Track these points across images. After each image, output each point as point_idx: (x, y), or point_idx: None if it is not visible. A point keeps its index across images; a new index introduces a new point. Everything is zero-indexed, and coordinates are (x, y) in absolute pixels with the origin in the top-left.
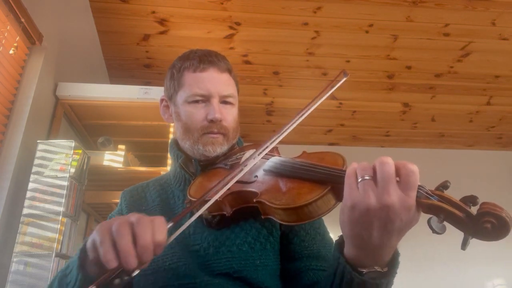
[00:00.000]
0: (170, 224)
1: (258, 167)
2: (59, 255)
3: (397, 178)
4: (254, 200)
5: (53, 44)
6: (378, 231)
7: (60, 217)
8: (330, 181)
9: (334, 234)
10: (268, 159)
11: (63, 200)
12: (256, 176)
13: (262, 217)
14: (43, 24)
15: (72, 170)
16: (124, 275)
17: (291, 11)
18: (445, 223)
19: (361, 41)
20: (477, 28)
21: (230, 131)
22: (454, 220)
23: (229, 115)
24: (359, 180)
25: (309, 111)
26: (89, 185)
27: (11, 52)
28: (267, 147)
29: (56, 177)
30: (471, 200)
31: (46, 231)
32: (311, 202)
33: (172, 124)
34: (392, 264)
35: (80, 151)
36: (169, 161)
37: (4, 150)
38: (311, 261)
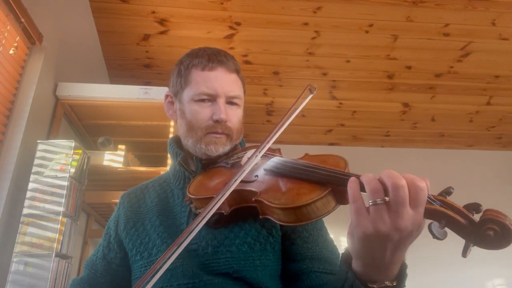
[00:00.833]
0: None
1: (259, 166)
2: (59, 255)
3: None
4: (253, 199)
5: (53, 44)
6: (392, 251)
7: (60, 217)
8: (331, 182)
9: (334, 234)
10: (269, 159)
11: (63, 200)
12: (257, 175)
13: (260, 217)
14: (43, 24)
15: (72, 170)
16: None
17: (291, 11)
18: (446, 229)
19: (361, 41)
20: (477, 28)
21: (234, 132)
22: (456, 227)
23: (234, 116)
24: (370, 203)
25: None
26: (89, 185)
27: (11, 52)
28: (267, 144)
29: (56, 177)
30: (474, 207)
31: (46, 231)
32: (310, 203)
33: (172, 124)
34: (400, 277)
35: (80, 151)
36: (169, 161)
37: (4, 150)
38: (314, 263)
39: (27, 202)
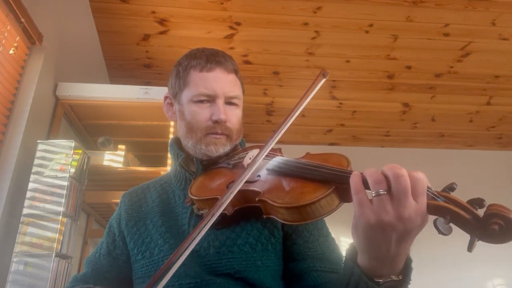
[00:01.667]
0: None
1: (261, 166)
2: (59, 255)
3: None
4: (257, 199)
5: (53, 44)
6: (396, 242)
7: (60, 217)
8: (334, 181)
9: (334, 233)
10: (271, 158)
11: (63, 200)
12: (259, 175)
13: (264, 216)
14: (43, 24)
15: (72, 170)
16: None
17: (291, 11)
18: (451, 224)
19: (361, 41)
20: (477, 28)
21: (233, 132)
22: (460, 222)
23: (234, 117)
24: (373, 194)
25: (300, 109)
26: (89, 185)
27: (11, 52)
28: (270, 145)
29: (56, 177)
30: (477, 202)
31: (46, 231)
32: (315, 202)
33: (172, 124)
34: (406, 271)
35: (80, 151)
36: (169, 161)
37: (4, 150)
38: (315, 262)
39: (27, 202)
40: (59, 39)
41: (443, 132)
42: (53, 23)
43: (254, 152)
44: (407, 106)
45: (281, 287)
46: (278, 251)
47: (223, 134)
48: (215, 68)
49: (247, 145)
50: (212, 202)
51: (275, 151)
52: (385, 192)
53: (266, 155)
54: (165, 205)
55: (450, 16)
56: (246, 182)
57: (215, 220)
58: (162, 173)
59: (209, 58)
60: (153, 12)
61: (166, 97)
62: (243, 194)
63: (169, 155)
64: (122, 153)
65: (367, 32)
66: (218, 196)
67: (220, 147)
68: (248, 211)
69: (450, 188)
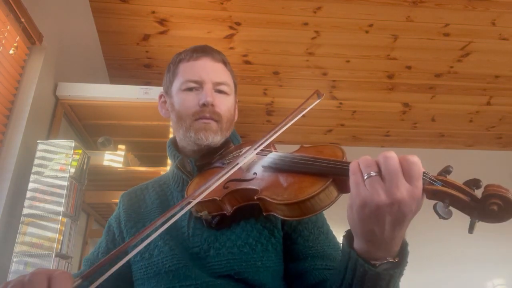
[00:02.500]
0: (78, 281)
1: (256, 163)
2: (59, 255)
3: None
4: (255, 198)
5: (53, 44)
6: (390, 225)
7: (60, 217)
8: (332, 173)
9: (337, 234)
10: (265, 155)
11: (63, 200)
12: (255, 173)
13: (264, 213)
14: (43, 24)
15: (72, 170)
16: None
17: (291, 11)
18: (451, 208)
19: (361, 41)
20: (477, 28)
21: (223, 119)
22: (459, 204)
23: (223, 104)
24: (365, 177)
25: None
26: (89, 185)
27: (11, 52)
28: (263, 143)
29: (56, 177)
30: (474, 183)
31: (46, 231)
32: (314, 196)
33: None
34: (402, 254)
35: (80, 151)
36: (169, 161)
37: (4, 150)
38: (316, 261)
39: (27, 202)
40: (59, 39)
41: (443, 132)
42: (53, 23)
43: (247, 149)
44: (407, 106)
45: (282, 287)
46: (278, 251)
47: (212, 119)
48: (202, 56)
49: (242, 143)
50: (209, 203)
51: (268, 147)
52: (376, 174)
53: (261, 152)
54: (164, 207)
55: (450, 16)
56: (243, 180)
57: (215, 221)
58: (162, 173)
59: (196, 48)
60: (153, 12)
61: (160, 96)
62: (241, 193)
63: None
64: (122, 153)
65: (367, 32)
66: (216, 198)
67: (210, 134)
68: (248, 209)
69: (446, 171)
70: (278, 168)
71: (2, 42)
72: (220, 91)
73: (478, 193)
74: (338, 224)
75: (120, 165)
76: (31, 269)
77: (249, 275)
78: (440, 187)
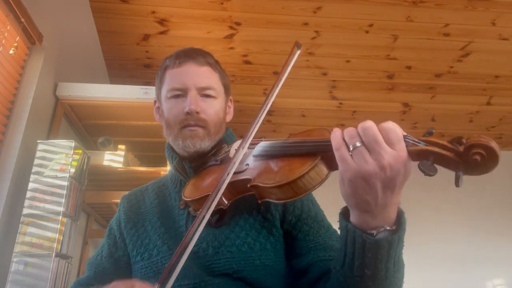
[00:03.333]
0: (157, 286)
1: (248, 155)
2: (59, 255)
3: None
4: (249, 186)
5: (53, 44)
6: (382, 191)
7: (60, 217)
8: (319, 151)
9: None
10: (256, 145)
11: (63, 200)
12: (247, 164)
13: (259, 201)
14: (43, 24)
15: (72, 170)
16: None
17: (291, 11)
18: (436, 166)
19: (361, 41)
20: (477, 28)
21: (210, 124)
22: (444, 161)
23: (209, 108)
24: (350, 149)
25: (278, 88)
26: (89, 185)
27: (11, 52)
28: (251, 134)
29: (56, 177)
30: (457, 140)
31: (46, 231)
32: (304, 174)
33: None
34: (399, 221)
35: (80, 151)
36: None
37: (4, 150)
38: (319, 253)
39: (27, 202)
40: (59, 39)
41: (443, 132)
42: (53, 23)
43: (238, 142)
44: (407, 106)
45: (283, 286)
46: (278, 250)
47: (198, 126)
48: (185, 62)
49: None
50: (204, 200)
51: (259, 139)
52: (360, 144)
53: (251, 144)
54: (163, 207)
55: (450, 16)
56: (236, 173)
57: (213, 219)
58: (162, 173)
59: (180, 54)
60: (153, 12)
61: (154, 101)
62: (235, 186)
63: None
64: (122, 153)
65: (367, 32)
66: (210, 193)
67: (197, 141)
68: (245, 202)
69: (429, 133)
70: (268, 155)
71: (2, 42)
72: (207, 95)
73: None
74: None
75: (120, 165)
76: (31, 269)
77: (247, 274)
78: (423, 147)
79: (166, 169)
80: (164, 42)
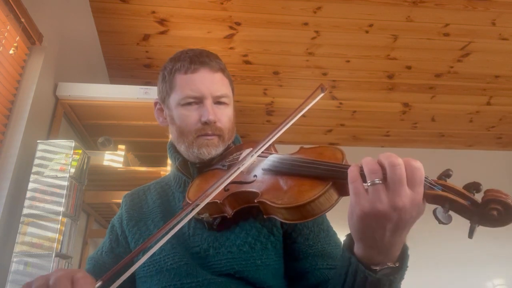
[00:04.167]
0: (99, 283)
1: (256, 166)
2: (59, 255)
3: None
4: (256, 201)
5: (53, 44)
6: (391, 231)
7: (60, 217)
8: (331, 176)
9: (338, 230)
10: (265, 157)
11: (63, 200)
12: (255, 175)
13: (265, 216)
14: (43, 24)
15: (72, 170)
16: None
17: (291, 11)
18: (450, 212)
19: (361, 41)
20: (477, 28)
21: (225, 132)
22: (459, 209)
23: (224, 116)
24: (368, 183)
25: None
26: (89, 185)
27: (11, 52)
28: (263, 146)
29: (56, 177)
30: (474, 187)
31: (46, 231)
32: (314, 200)
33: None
34: (402, 258)
35: (80, 151)
36: (170, 161)
37: (4, 150)
38: (317, 260)
39: (27, 202)
40: (59, 39)
41: (443, 132)
42: (53, 23)
43: (248, 151)
44: (407, 106)
45: (283, 285)
46: (278, 249)
47: (215, 135)
48: (200, 68)
49: (242, 143)
50: (210, 205)
51: (268, 148)
52: (380, 182)
53: (261, 154)
54: (166, 207)
55: (450, 16)
56: (243, 183)
57: (216, 223)
58: (162, 173)
59: (193, 59)
60: (153, 12)
61: (156, 103)
62: (242, 196)
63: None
64: (122, 153)
65: (367, 32)
66: (217, 201)
67: (212, 149)
68: (248, 211)
69: (446, 175)
70: (278, 171)
71: (2, 42)
72: (220, 103)
73: (478, 197)
74: (338, 222)
75: (120, 165)
76: (31, 269)
77: (249, 274)
78: (440, 192)
79: (166, 169)
80: (164, 42)
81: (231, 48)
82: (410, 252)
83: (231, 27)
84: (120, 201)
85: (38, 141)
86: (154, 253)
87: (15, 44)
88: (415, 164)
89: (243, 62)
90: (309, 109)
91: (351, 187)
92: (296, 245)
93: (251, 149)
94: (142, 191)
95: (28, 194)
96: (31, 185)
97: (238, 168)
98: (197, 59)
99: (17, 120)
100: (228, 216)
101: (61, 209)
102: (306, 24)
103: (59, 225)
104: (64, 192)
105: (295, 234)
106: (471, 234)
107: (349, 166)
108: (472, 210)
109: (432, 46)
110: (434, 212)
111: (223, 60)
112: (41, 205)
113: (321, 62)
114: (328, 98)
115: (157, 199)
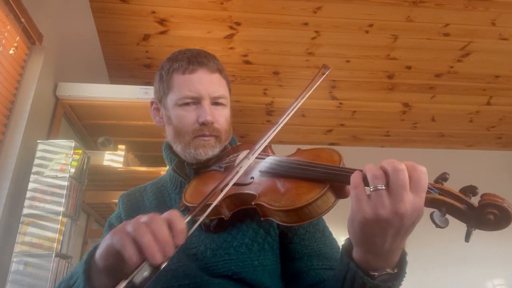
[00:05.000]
0: (188, 218)
1: (253, 168)
2: (59, 255)
3: None
4: (253, 203)
5: (53, 44)
6: (392, 237)
7: (60, 217)
8: (329, 179)
9: (335, 231)
10: (263, 159)
11: (63, 200)
12: (252, 177)
13: (262, 218)
14: (43, 24)
15: (72, 170)
16: (151, 269)
17: (291, 11)
18: (447, 216)
19: (361, 41)
20: (477, 28)
21: (222, 133)
22: (456, 213)
23: (221, 117)
24: (371, 189)
25: (298, 105)
26: (89, 185)
27: (11, 52)
28: (260, 146)
29: (56, 177)
30: (470, 190)
31: (46, 231)
32: (311, 202)
33: None
34: (401, 265)
35: (80, 151)
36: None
37: (4, 150)
38: (313, 261)
39: (27, 202)
40: (59, 39)
41: (443, 132)
42: (53, 23)
43: (245, 153)
44: (407, 106)
45: (280, 286)
46: (275, 249)
47: (212, 136)
48: (198, 69)
49: (238, 144)
50: (206, 208)
51: (265, 150)
52: (383, 187)
53: (258, 155)
54: (162, 208)
55: (450, 16)
56: (240, 185)
57: (212, 225)
58: (162, 173)
59: (191, 59)
60: (153, 12)
61: (152, 103)
62: (239, 198)
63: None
64: (122, 153)
65: (367, 32)
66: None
67: (209, 150)
68: (245, 213)
69: (443, 178)
70: (275, 173)
71: (2, 42)
72: (218, 103)
73: (475, 200)
74: (338, 224)
75: (120, 165)
76: (31, 269)
77: (246, 275)
78: (437, 196)
79: (166, 169)
80: (164, 42)
81: (231, 48)
82: (410, 252)
83: (231, 27)
84: None
85: (38, 141)
86: None
87: (15, 44)
88: (421, 169)
89: (243, 62)
90: (309, 109)
91: (353, 193)
92: (292, 245)
93: (248, 150)
94: (138, 192)
95: (28, 194)
96: (31, 185)
97: (241, 168)
98: (195, 59)
99: (17, 120)
100: (225, 218)
101: (61, 209)
102: (306, 24)
103: (59, 225)
104: (64, 192)
105: (291, 234)
106: (467, 238)
107: (347, 168)
108: (468, 214)
109: (432, 46)
110: (431, 216)
111: (223, 60)
112: (41, 205)
113: (321, 62)
114: (328, 98)
115: (153, 200)
